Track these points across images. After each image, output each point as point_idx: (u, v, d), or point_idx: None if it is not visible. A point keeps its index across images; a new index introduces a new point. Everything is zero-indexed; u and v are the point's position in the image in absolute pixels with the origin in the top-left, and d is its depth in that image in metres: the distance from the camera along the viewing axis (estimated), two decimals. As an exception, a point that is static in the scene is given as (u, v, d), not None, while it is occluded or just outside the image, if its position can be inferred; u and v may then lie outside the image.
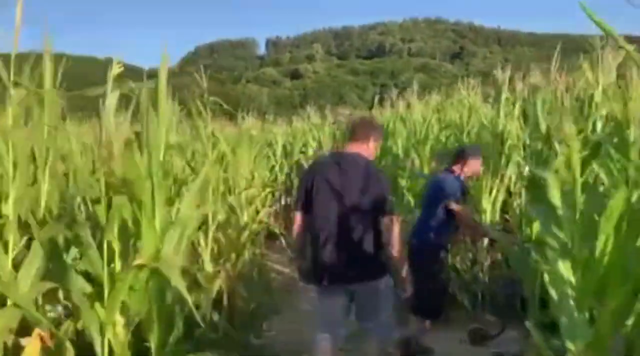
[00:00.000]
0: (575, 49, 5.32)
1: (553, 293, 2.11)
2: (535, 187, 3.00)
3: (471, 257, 5.66)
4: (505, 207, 5.48)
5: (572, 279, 2.06)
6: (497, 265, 5.50)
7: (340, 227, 3.30)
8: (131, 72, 3.10)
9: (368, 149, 3.50)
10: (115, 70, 2.71)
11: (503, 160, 5.27)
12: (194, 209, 3.02)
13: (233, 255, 5.03)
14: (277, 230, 7.09)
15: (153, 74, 2.96)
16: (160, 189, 2.51)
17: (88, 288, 2.42)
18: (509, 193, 5.39)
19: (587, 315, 2.03)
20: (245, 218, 6.05)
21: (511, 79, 5.78)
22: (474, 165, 4.54)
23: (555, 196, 2.53)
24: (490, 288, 5.43)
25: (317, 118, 10.93)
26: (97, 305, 2.38)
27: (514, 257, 3.57)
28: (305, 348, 4.89)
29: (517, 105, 5.35)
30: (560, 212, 2.38)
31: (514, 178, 5.34)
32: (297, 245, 3.58)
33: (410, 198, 5.98)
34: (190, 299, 2.16)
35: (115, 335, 2.37)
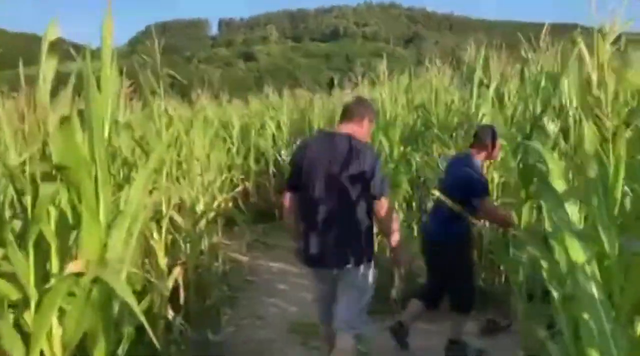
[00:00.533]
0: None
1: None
2: (530, 175, 2.71)
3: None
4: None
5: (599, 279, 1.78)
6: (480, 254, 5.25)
7: (324, 209, 3.17)
8: (79, 51, 2.67)
9: (362, 130, 3.35)
10: (49, 43, 2.27)
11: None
12: (146, 196, 2.60)
13: (188, 246, 4.60)
14: (235, 218, 6.65)
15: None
16: (104, 173, 2.08)
17: (15, 295, 1.98)
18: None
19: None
20: (201, 206, 5.62)
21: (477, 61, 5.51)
22: (499, 148, 4.09)
23: (559, 185, 2.26)
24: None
25: (276, 98, 10.48)
26: (26, 315, 1.95)
27: (499, 249, 3.30)
28: (266, 346, 4.55)
29: (492, 88, 5.07)
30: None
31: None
32: (288, 225, 3.47)
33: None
34: (139, 310, 1.76)
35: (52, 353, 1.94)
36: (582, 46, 2.56)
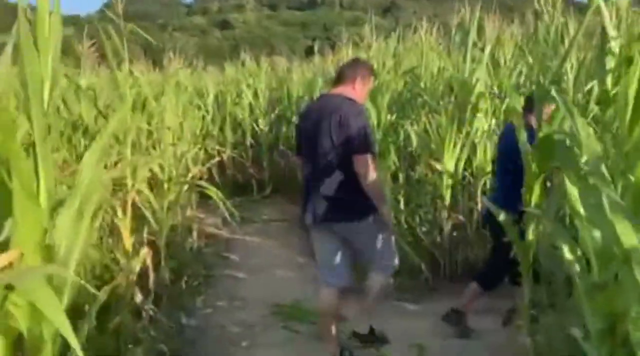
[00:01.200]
0: None
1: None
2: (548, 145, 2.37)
3: (430, 218, 5.09)
4: (468, 165, 4.89)
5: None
6: (459, 227, 4.96)
7: (318, 169, 3.31)
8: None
9: (354, 90, 3.38)
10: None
11: (468, 112, 4.65)
12: (101, 170, 2.20)
13: (158, 223, 4.21)
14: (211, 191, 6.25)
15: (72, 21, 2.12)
16: (43, 146, 1.68)
17: None
18: (473, 148, 4.80)
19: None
20: (173, 178, 5.22)
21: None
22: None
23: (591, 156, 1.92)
24: (452, 254, 4.90)
25: (253, 65, 9.97)
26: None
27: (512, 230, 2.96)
28: (245, 330, 4.21)
29: (487, 51, 4.70)
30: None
31: (479, 132, 4.74)
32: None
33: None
34: (70, 331, 1.38)
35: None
36: None
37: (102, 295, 2.12)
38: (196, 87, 9.58)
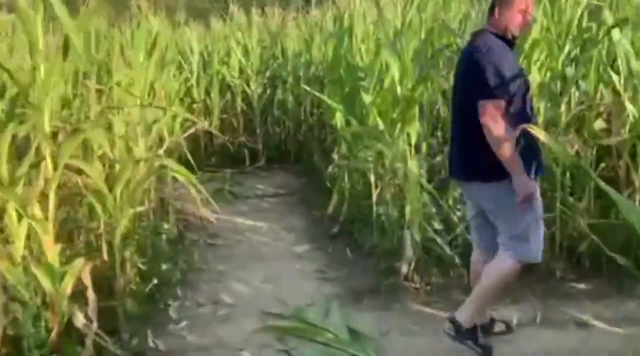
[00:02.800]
0: None
1: None
2: None
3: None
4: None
5: None
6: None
7: (454, 122, 3.03)
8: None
9: (496, 20, 2.82)
10: None
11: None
12: None
13: (116, 211, 3.15)
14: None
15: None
16: None
17: None
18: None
19: None
20: (141, 151, 4.17)
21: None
22: None
23: None
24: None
25: (242, 18, 8.77)
26: None
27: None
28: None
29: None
30: None
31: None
32: None
33: (377, 118, 4.24)
34: None
35: None
36: None
37: None
38: (178, 45, 8.43)
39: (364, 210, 4.79)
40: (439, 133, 4.69)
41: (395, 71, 3.69)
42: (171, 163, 3.60)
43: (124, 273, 3.39)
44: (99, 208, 2.98)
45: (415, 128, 3.73)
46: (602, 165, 3.85)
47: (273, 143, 8.43)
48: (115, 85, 3.45)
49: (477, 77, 2.70)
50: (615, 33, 3.44)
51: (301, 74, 8.04)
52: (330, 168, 5.55)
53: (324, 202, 5.85)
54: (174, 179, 5.72)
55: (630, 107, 3.50)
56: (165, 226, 4.72)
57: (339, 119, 5.05)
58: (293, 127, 8.30)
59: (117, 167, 3.29)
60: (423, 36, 4.21)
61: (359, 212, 4.88)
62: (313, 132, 7.71)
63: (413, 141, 3.75)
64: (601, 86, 3.73)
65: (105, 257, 3.28)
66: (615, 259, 3.13)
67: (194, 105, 8.33)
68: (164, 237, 4.57)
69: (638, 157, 3.62)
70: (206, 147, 8.40)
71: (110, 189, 3.01)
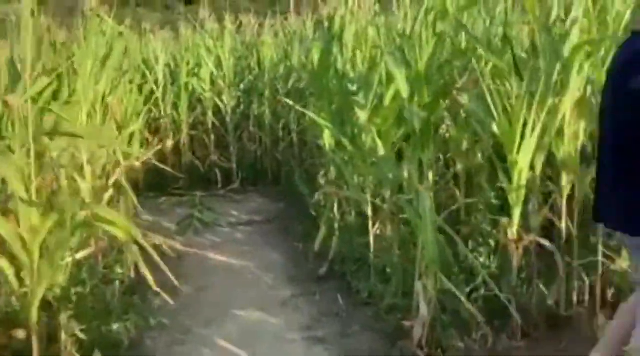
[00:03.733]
0: None
1: None
2: None
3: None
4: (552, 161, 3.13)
5: None
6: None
7: (610, 152, 2.07)
8: None
9: None
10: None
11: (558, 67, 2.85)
12: None
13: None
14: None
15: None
16: None
17: None
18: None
19: None
20: (87, 182, 3.37)
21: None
22: None
23: None
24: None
25: (214, 25, 7.99)
26: None
27: None
28: None
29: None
30: None
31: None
32: None
33: (376, 139, 3.50)
34: None
35: None
36: None
37: None
38: (142, 54, 7.63)
39: (359, 248, 4.05)
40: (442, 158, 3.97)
41: (402, 84, 2.94)
42: (107, 213, 2.75)
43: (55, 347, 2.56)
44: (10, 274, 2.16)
45: (428, 155, 2.99)
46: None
47: (248, 163, 7.66)
48: (31, 99, 2.62)
49: None
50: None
51: (279, 86, 7.33)
52: (316, 196, 4.78)
53: (308, 232, 5.10)
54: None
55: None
56: (119, 270, 3.88)
57: (327, 139, 4.30)
58: (270, 145, 7.55)
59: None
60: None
61: (353, 250, 4.12)
62: (293, 149, 6.98)
63: (426, 170, 3.01)
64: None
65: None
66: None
67: (161, 121, 7.54)
68: (116, 284, 3.75)
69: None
70: (174, 166, 7.56)
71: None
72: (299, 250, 4.94)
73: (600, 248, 3.09)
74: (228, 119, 7.50)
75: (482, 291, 3.12)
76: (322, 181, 4.93)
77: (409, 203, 3.16)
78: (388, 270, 3.54)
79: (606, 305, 3.15)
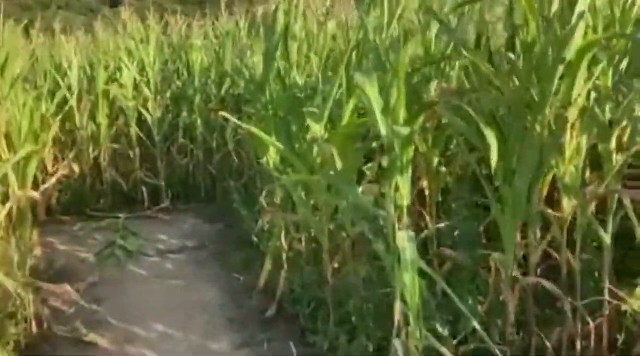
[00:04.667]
0: None
1: None
2: None
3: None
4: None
5: None
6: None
7: None
8: None
9: None
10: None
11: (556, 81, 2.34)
12: None
13: None
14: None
15: None
16: None
17: None
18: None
19: None
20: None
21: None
22: None
23: None
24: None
25: (138, 25, 7.14)
26: None
27: None
28: None
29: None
30: None
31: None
32: None
33: (334, 156, 2.87)
34: None
35: None
36: None
37: None
38: (52, 57, 6.71)
39: (313, 286, 3.40)
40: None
41: (371, 94, 2.32)
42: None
43: None
44: None
45: (406, 182, 2.37)
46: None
47: (178, 178, 6.87)
48: None
49: None
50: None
51: (212, 92, 6.61)
52: (259, 222, 4.11)
53: (250, 261, 4.44)
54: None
55: None
56: (12, 330, 3.07)
57: (271, 157, 3.63)
58: (203, 157, 6.80)
59: None
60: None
61: (305, 288, 3.47)
62: (229, 161, 6.27)
63: (404, 200, 2.39)
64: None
65: None
66: None
67: (77, 133, 6.64)
68: (9, 346, 2.94)
69: None
70: (93, 185, 6.68)
71: None
72: (239, 283, 4.26)
73: (607, 284, 2.59)
74: (154, 130, 6.67)
75: (472, 344, 2.54)
76: (264, 202, 4.27)
77: (379, 236, 2.55)
78: (352, 315, 2.91)
79: (615, 351, 2.66)
